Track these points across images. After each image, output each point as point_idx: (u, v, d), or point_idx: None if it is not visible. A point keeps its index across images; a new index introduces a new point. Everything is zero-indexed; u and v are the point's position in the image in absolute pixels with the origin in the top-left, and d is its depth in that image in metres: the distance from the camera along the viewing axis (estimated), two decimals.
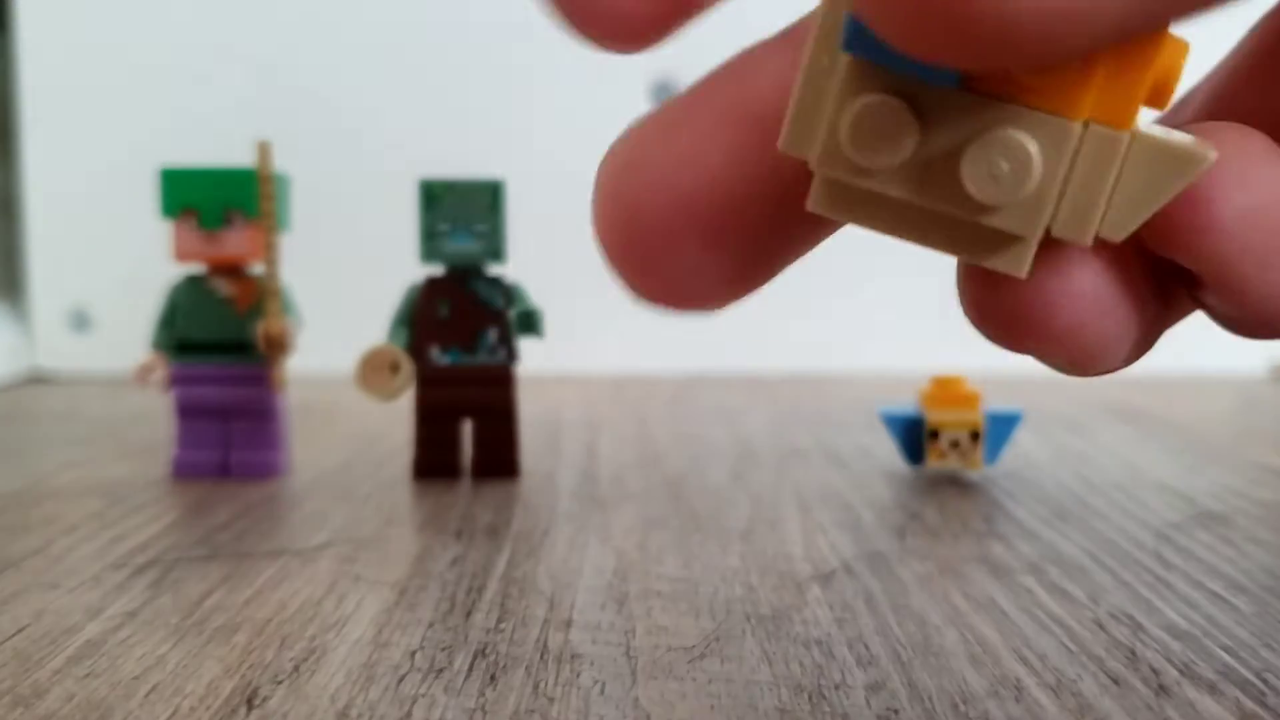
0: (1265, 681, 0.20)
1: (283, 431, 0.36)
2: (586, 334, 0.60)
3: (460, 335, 0.35)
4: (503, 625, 0.23)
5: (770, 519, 0.31)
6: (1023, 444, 0.41)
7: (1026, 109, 0.12)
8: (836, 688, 0.19)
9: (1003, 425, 0.36)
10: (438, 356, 0.35)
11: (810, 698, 0.19)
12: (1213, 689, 0.19)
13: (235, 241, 0.35)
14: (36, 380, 0.61)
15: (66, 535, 0.29)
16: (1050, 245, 0.12)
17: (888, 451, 0.40)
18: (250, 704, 0.19)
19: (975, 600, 0.24)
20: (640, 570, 0.26)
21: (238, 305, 0.35)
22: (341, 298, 0.55)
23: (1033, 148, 0.11)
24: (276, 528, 0.30)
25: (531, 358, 0.39)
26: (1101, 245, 0.12)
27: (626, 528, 0.30)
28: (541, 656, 0.21)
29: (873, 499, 0.33)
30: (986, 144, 0.11)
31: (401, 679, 0.20)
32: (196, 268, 0.36)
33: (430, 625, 0.22)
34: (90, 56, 0.62)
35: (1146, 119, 0.12)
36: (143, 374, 0.35)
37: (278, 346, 0.34)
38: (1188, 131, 0.12)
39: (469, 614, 0.23)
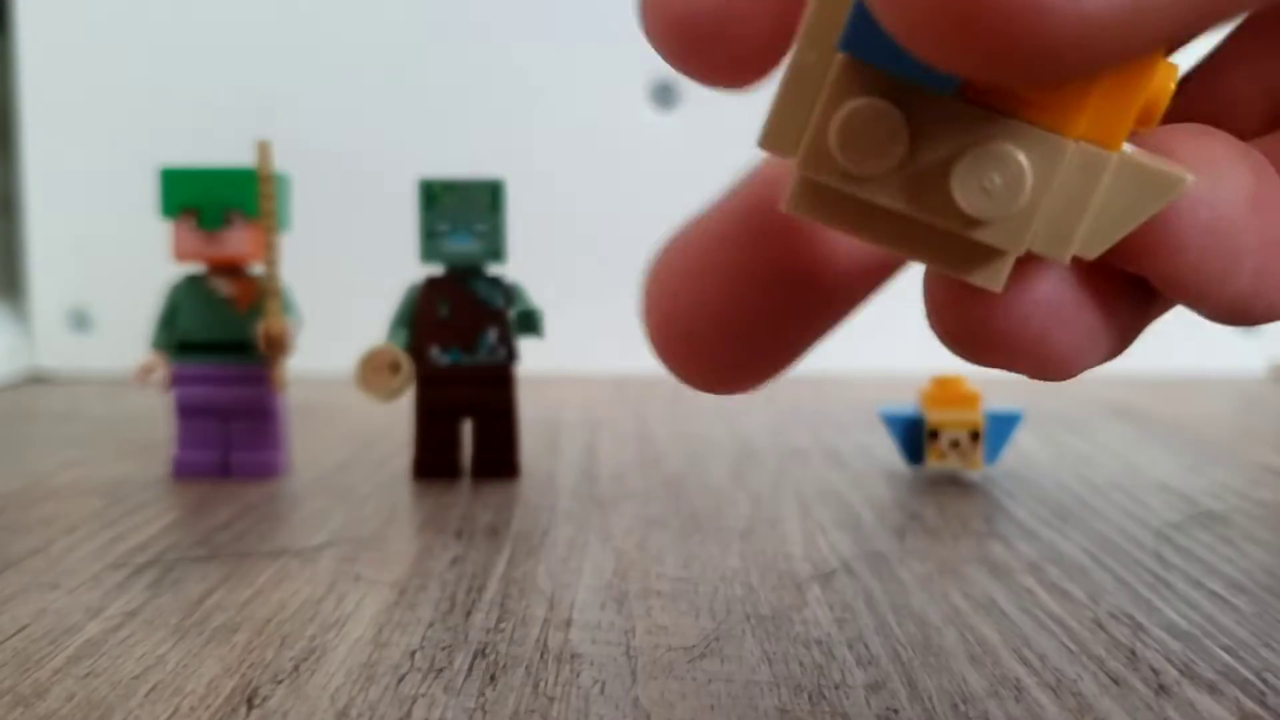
0: (1265, 681, 0.20)
1: (283, 431, 0.36)
2: (586, 334, 0.60)
3: (460, 335, 0.35)
4: (503, 625, 0.23)
5: (770, 519, 0.31)
6: (1023, 444, 0.41)
7: (1021, 123, 0.11)
8: (836, 687, 0.19)
9: (1003, 425, 0.36)
10: (438, 356, 0.35)
11: (810, 698, 0.19)
12: (1213, 689, 0.19)
13: (235, 241, 0.35)
14: (36, 380, 0.62)
15: (66, 535, 0.29)
16: (1020, 259, 0.12)
17: (888, 451, 0.40)
18: (250, 703, 0.19)
19: (975, 600, 0.24)
20: (640, 570, 0.26)
21: (238, 305, 0.35)
22: (341, 298, 0.55)
23: (1026, 163, 0.11)
24: (276, 528, 0.30)
25: (531, 358, 0.39)
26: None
27: (626, 528, 0.30)
28: (541, 656, 0.21)
29: (873, 499, 0.33)
30: (980, 157, 0.11)
31: (401, 679, 0.20)
32: (196, 268, 0.36)
33: (430, 625, 0.22)
34: (90, 56, 0.62)
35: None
36: (143, 374, 0.35)
37: (278, 346, 0.34)
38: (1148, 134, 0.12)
39: (469, 614, 0.23)
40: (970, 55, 0.09)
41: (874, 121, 0.11)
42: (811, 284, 0.14)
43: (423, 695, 0.19)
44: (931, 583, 0.25)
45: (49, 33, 0.62)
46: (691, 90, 0.62)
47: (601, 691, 0.19)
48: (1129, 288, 0.13)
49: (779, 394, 0.53)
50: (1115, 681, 0.20)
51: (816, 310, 0.14)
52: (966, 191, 0.11)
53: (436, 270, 0.36)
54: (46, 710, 0.18)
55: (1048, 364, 0.13)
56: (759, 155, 0.13)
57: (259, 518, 0.31)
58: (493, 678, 0.20)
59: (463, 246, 0.35)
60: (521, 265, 0.37)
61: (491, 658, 0.21)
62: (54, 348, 0.63)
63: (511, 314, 0.36)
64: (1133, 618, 0.23)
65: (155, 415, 0.45)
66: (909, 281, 0.15)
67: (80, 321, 0.63)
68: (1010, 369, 0.13)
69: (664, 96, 0.63)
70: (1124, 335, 0.14)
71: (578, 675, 0.20)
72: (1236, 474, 0.37)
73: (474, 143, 0.62)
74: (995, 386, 0.39)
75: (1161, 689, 0.19)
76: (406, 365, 0.34)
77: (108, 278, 0.62)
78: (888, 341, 0.64)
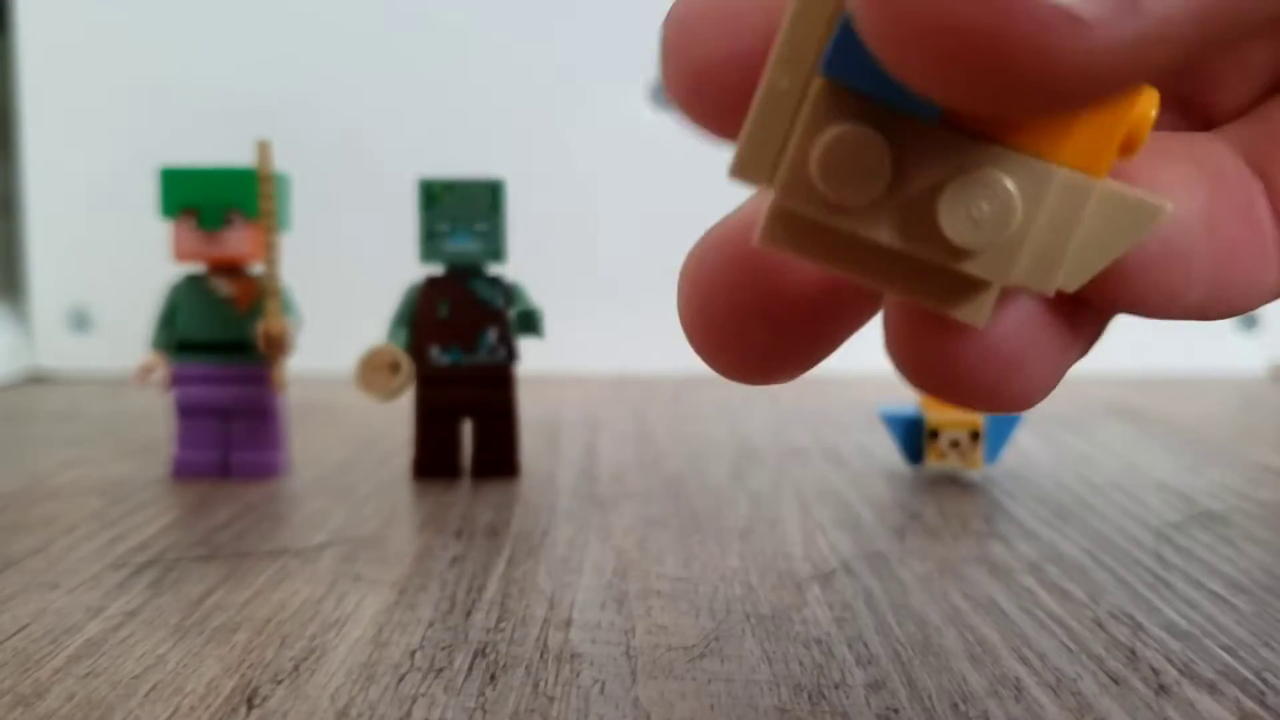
0: (1265, 681, 0.20)
1: (283, 431, 0.36)
2: (586, 334, 0.60)
3: (460, 335, 0.35)
4: (503, 625, 0.23)
5: (770, 519, 0.31)
6: (1023, 444, 0.41)
7: (1007, 149, 0.11)
8: (836, 687, 0.19)
9: (1003, 425, 0.36)
10: (438, 356, 0.35)
11: (810, 697, 0.19)
12: (1212, 688, 0.19)
13: (235, 241, 0.35)
14: (36, 380, 0.62)
15: (66, 535, 0.29)
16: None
17: (888, 451, 0.40)
18: (250, 703, 0.19)
19: (975, 600, 0.24)
20: (640, 570, 0.26)
21: (238, 305, 0.35)
22: (341, 298, 0.55)
23: (1015, 190, 0.11)
24: (276, 528, 0.30)
25: (531, 358, 0.39)
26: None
27: (626, 527, 0.30)
28: (541, 656, 0.21)
29: (873, 499, 0.33)
30: (967, 184, 0.11)
31: (401, 678, 0.20)
32: (196, 267, 0.36)
33: (430, 625, 0.22)
34: (90, 56, 0.62)
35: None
36: (143, 374, 0.35)
37: (278, 346, 0.34)
38: None
39: (469, 613, 0.23)
40: (967, 86, 0.09)
41: (857, 148, 0.11)
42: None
43: (423, 695, 0.19)
44: (931, 582, 0.25)
45: (49, 33, 0.62)
46: None
47: (601, 691, 0.19)
48: (1086, 313, 0.14)
49: (779, 394, 0.53)
50: (1115, 681, 0.20)
51: (850, 302, 0.14)
52: (954, 221, 0.11)
53: (436, 270, 0.36)
54: (46, 710, 0.18)
55: (1011, 399, 0.13)
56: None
57: (259, 518, 0.31)
58: (493, 677, 0.20)
59: (463, 246, 0.35)
60: (521, 265, 0.37)
61: (491, 657, 0.21)
62: (54, 348, 0.63)
63: (511, 314, 0.36)
64: (1132, 617, 0.23)
65: (155, 415, 0.45)
66: None
67: (80, 321, 0.63)
68: (972, 405, 0.13)
69: (664, 96, 0.63)
70: (1077, 358, 0.14)
71: (578, 675, 0.20)
72: (1236, 474, 0.37)
73: (474, 143, 0.62)
74: None
75: (1161, 689, 0.19)
76: (406, 365, 0.34)
77: (108, 278, 0.62)
78: None
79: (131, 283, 0.52)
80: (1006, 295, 0.12)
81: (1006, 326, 0.13)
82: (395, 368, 0.34)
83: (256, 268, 0.36)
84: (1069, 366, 0.14)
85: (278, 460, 0.36)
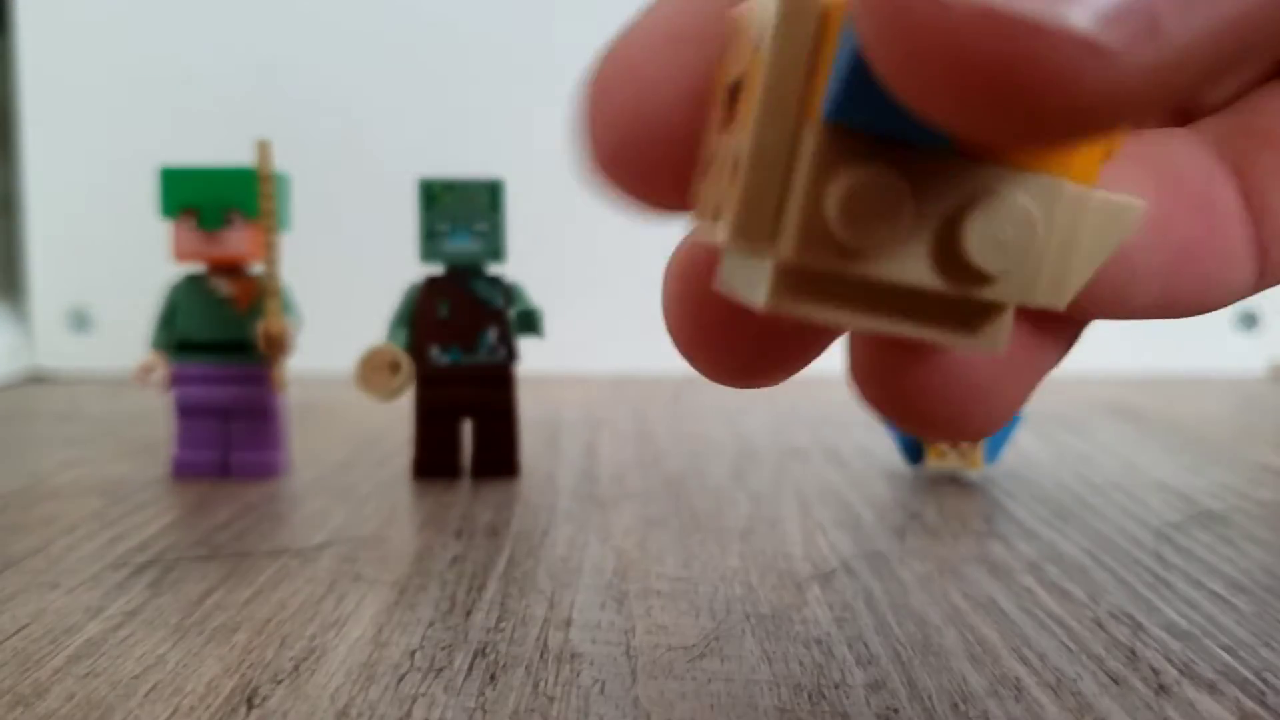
0: (1265, 681, 0.20)
1: (283, 431, 0.36)
2: (586, 334, 0.60)
3: (460, 335, 0.35)
4: (503, 624, 0.23)
5: (770, 518, 0.31)
6: (1023, 444, 0.41)
7: (1017, 169, 0.11)
8: (836, 687, 0.19)
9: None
10: (438, 356, 0.35)
11: (810, 697, 0.19)
12: (1212, 688, 0.19)
13: (235, 241, 0.35)
14: (36, 380, 0.62)
15: (66, 535, 0.29)
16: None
17: (888, 451, 0.40)
18: (250, 703, 0.19)
19: (975, 600, 0.24)
20: (640, 570, 0.26)
21: (238, 305, 0.35)
22: (341, 298, 0.55)
23: (1035, 209, 0.11)
24: (276, 528, 0.30)
25: (531, 358, 0.39)
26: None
27: (626, 527, 0.30)
28: (541, 656, 0.21)
29: (873, 499, 0.33)
30: (988, 209, 0.11)
31: (401, 678, 0.20)
32: (196, 267, 0.36)
33: (430, 624, 0.22)
34: (90, 56, 0.62)
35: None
36: (143, 374, 0.35)
37: (278, 346, 0.34)
38: None
39: (469, 613, 0.23)
40: (992, 118, 0.09)
41: (879, 189, 0.10)
42: None
43: (423, 695, 0.19)
44: (931, 582, 0.25)
45: (49, 33, 0.62)
46: None
47: (601, 691, 0.19)
48: (1050, 328, 0.14)
49: (779, 394, 0.53)
50: (1115, 681, 0.20)
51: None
52: (982, 247, 0.11)
53: (436, 270, 0.36)
54: (46, 710, 0.18)
55: (980, 423, 0.13)
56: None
57: (259, 518, 0.31)
58: (493, 677, 0.20)
59: (462, 246, 0.35)
60: (521, 265, 0.37)
61: (491, 657, 0.21)
62: (54, 348, 0.63)
63: (511, 314, 0.36)
64: (1132, 617, 0.23)
65: (155, 415, 0.45)
66: None
67: (80, 321, 0.63)
68: (941, 433, 0.13)
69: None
70: (1040, 379, 0.14)
71: (578, 675, 0.20)
72: (1236, 474, 0.37)
73: (474, 143, 0.62)
74: None
75: (1161, 689, 0.19)
76: (406, 365, 0.34)
77: (108, 278, 0.62)
78: None
79: (131, 283, 0.52)
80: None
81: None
82: (395, 368, 0.34)
83: (256, 268, 0.36)
84: (1034, 387, 0.14)
85: (278, 460, 0.36)
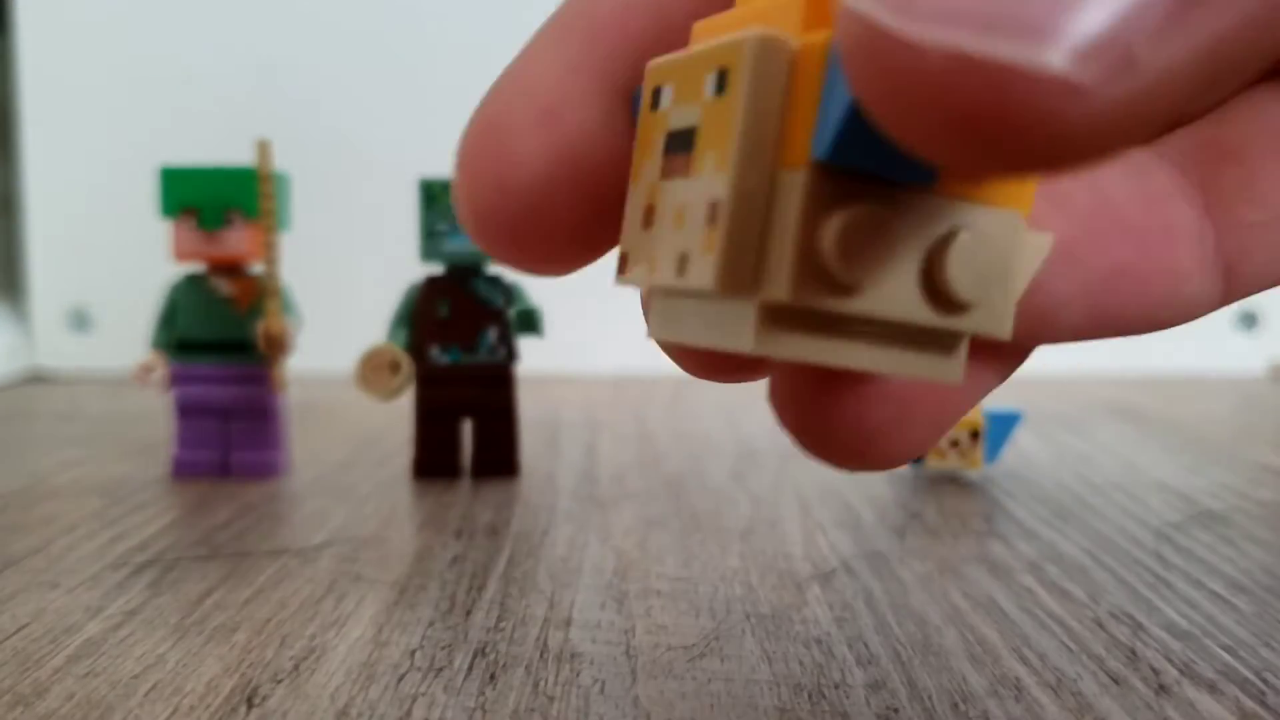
0: (1265, 680, 0.20)
1: (283, 431, 0.36)
2: (586, 334, 0.60)
3: (460, 335, 0.35)
4: (502, 624, 0.23)
5: (770, 519, 0.31)
6: (1023, 444, 0.41)
7: (983, 204, 0.11)
8: (836, 687, 0.19)
9: (1003, 425, 0.36)
10: (438, 356, 0.35)
11: (810, 696, 0.19)
12: (1212, 688, 0.19)
13: (235, 241, 0.35)
14: (36, 380, 0.62)
15: (66, 534, 0.29)
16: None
17: None
18: (250, 703, 0.19)
19: (975, 600, 0.24)
20: (640, 570, 0.26)
21: (238, 305, 0.35)
22: (341, 298, 0.55)
23: (1004, 241, 0.11)
24: (276, 527, 0.30)
25: (531, 358, 0.39)
26: None
27: (626, 527, 0.30)
28: (541, 655, 0.21)
29: (873, 499, 0.33)
30: (967, 242, 0.11)
31: (401, 678, 0.20)
32: (196, 267, 0.36)
33: (430, 624, 0.22)
34: (90, 56, 0.62)
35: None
36: (142, 373, 0.35)
37: (278, 346, 0.34)
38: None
39: (469, 613, 0.23)
40: (980, 157, 0.09)
41: (872, 225, 0.11)
42: None
43: (423, 694, 0.19)
44: (931, 582, 0.25)
45: (49, 33, 0.62)
46: None
47: (601, 691, 0.19)
48: (991, 355, 0.14)
49: None
50: (1115, 681, 0.20)
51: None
52: (963, 279, 0.11)
53: (436, 270, 0.36)
54: (46, 710, 0.18)
55: (906, 449, 0.13)
56: None
57: (259, 517, 0.31)
58: (493, 677, 0.20)
59: (462, 246, 0.35)
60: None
61: (491, 657, 0.21)
62: (54, 347, 0.63)
63: (511, 313, 0.36)
64: (1133, 617, 0.23)
65: (155, 415, 0.45)
66: None
67: (80, 321, 0.63)
68: (865, 462, 0.13)
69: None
70: (969, 406, 0.14)
71: (578, 674, 0.20)
72: (1236, 474, 0.37)
73: None
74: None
75: (1161, 688, 0.19)
76: (406, 365, 0.34)
77: (108, 278, 0.62)
78: None
79: (131, 283, 0.52)
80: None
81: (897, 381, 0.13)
82: (395, 367, 0.34)
83: (256, 268, 0.36)
84: (961, 415, 0.14)
85: (278, 460, 0.36)
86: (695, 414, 0.49)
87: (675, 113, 0.12)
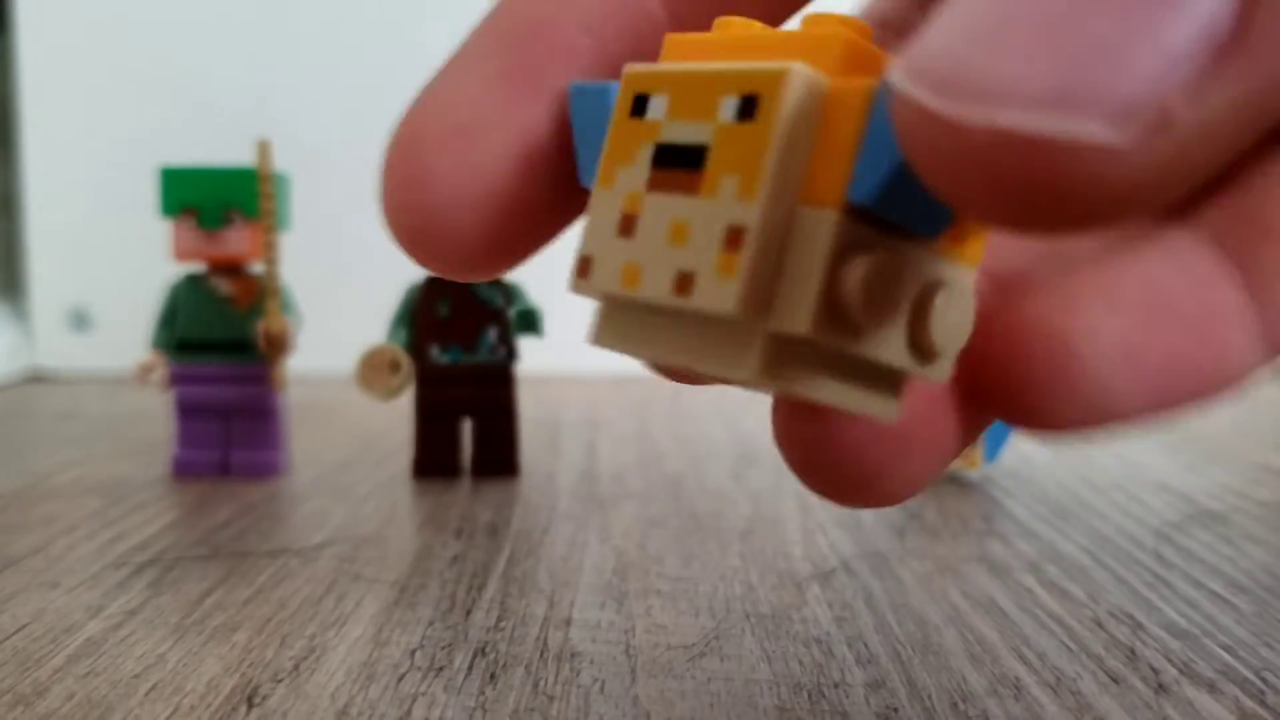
0: (1264, 680, 0.20)
1: (283, 431, 0.36)
2: (586, 334, 0.60)
3: (460, 334, 0.35)
4: (503, 624, 0.23)
5: (770, 518, 0.31)
6: (1023, 444, 0.41)
7: (956, 262, 0.12)
8: (836, 686, 0.19)
9: (1002, 425, 0.36)
10: (438, 356, 0.35)
11: (810, 696, 0.19)
12: (1212, 688, 0.20)
13: (235, 241, 0.35)
14: (36, 380, 0.62)
15: (66, 534, 0.29)
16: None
17: None
18: (250, 702, 0.19)
19: (975, 599, 0.24)
20: (640, 569, 0.26)
21: (238, 305, 0.35)
22: (341, 298, 0.55)
23: (971, 296, 0.12)
24: (276, 527, 0.30)
25: (531, 358, 0.39)
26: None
27: (626, 527, 0.30)
28: (541, 655, 0.21)
29: None
30: (947, 295, 0.11)
31: (401, 677, 0.20)
32: (196, 267, 0.36)
33: (430, 624, 0.22)
34: (90, 56, 0.62)
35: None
36: (142, 373, 0.35)
37: (278, 346, 0.34)
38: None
39: (469, 612, 0.23)
40: (1025, 217, 0.09)
41: (891, 272, 0.11)
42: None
43: (423, 694, 0.19)
44: (931, 581, 0.25)
45: (49, 32, 0.62)
46: None
47: (601, 690, 0.19)
48: (974, 413, 0.14)
49: None
50: (1114, 680, 0.20)
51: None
52: (943, 330, 0.11)
53: None
54: (46, 709, 0.18)
55: (896, 492, 0.14)
56: None
57: (259, 517, 0.31)
58: (493, 676, 0.20)
59: None
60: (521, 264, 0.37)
61: (491, 656, 0.21)
62: (54, 347, 0.63)
63: (511, 313, 0.36)
64: (1132, 617, 0.23)
65: (155, 415, 0.45)
66: None
67: (80, 321, 0.63)
68: (855, 500, 0.14)
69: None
70: (955, 454, 0.14)
71: (577, 674, 0.20)
72: (1236, 474, 0.37)
73: None
74: None
75: (1161, 688, 0.19)
76: (406, 364, 0.34)
77: (108, 278, 0.62)
78: None
79: (131, 283, 0.52)
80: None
81: (912, 414, 0.13)
82: (395, 367, 0.34)
83: (256, 267, 0.36)
84: (958, 452, 0.14)
85: (278, 460, 0.36)
86: (695, 414, 0.49)
87: (673, 126, 0.12)
